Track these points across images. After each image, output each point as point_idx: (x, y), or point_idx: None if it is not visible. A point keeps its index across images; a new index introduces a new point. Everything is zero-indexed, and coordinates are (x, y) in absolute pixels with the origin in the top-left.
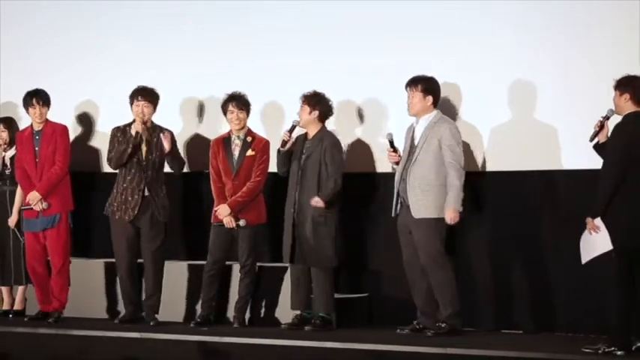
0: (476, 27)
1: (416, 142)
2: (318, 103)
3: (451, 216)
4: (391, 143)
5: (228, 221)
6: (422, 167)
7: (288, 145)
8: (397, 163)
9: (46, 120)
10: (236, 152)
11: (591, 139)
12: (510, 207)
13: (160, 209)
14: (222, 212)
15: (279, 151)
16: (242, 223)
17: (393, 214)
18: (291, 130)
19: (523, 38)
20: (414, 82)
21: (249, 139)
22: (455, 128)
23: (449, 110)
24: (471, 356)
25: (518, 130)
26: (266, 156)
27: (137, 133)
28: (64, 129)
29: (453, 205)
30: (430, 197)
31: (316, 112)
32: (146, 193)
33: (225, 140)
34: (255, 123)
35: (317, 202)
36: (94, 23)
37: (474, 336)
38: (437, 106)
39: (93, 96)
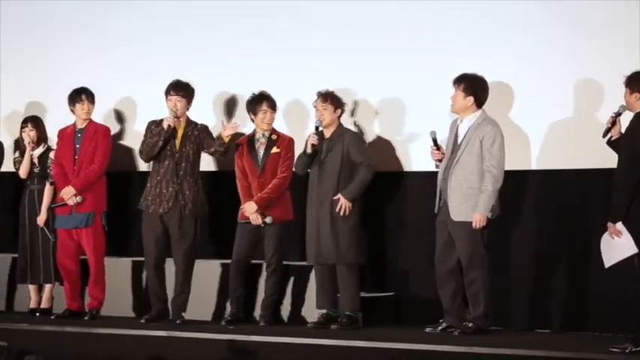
0: (528, 23)
1: (459, 142)
2: (340, 101)
3: (477, 219)
4: (434, 141)
5: (255, 218)
6: (464, 170)
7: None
8: (440, 161)
9: (90, 119)
10: (261, 150)
11: (604, 136)
12: (542, 206)
13: (190, 203)
14: (249, 209)
15: (305, 153)
16: (268, 220)
17: (435, 211)
18: (317, 132)
19: (577, 37)
20: (458, 80)
21: (273, 137)
22: (499, 131)
23: (494, 108)
24: (497, 355)
25: (558, 129)
26: (291, 153)
27: (169, 126)
28: (107, 130)
29: (481, 210)
30: (471, 201)
31: (339, 111)
32: (177, 187)
33: (250, 139)
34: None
35: (342, 205)
36: (125, 22)
37: (500, 335)
38: (482, 105)
39: (128, 94)
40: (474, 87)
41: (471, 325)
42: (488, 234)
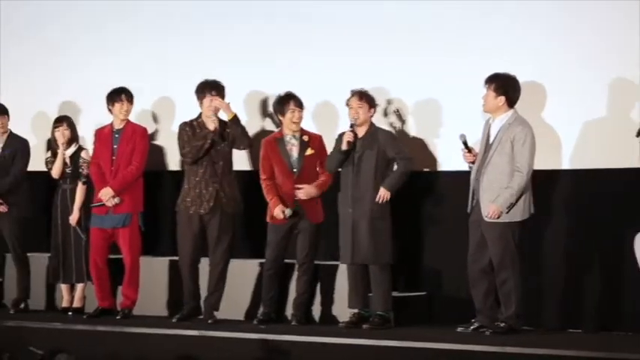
0: (558, 22)
1: (491, 142)
2: (374, 101)
3: (492, 210)
4: (465, 144)
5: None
6: (495, 170)
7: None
8: (473, 163)
9: (128, 120)
10: (294, 152)
11: (637, 135)
12: (575, 205)
13: (229, 202)
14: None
15: (339, 150)
16: (288, 212)
17: (468, 211)
18: (353, 130)
19: (609, 36)
20: (489, 80)
21: (305, 137)
22: (530, 131)
23: (526, 107)
24: (529, 355)
25: (591, 128)
26: (325, 152)
27: (215, 128)
28: (145, 131)
29: (499, 202)
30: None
31: (373, 111)
32: (217, 186)
33: (279, 141)
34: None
35: (381, 196)
36: (153, 22)
37: (532, 335)
38: (514, 105)
39: (157, 94)
40: (505, 87)
41: (502, 325)
42: (520, 234)
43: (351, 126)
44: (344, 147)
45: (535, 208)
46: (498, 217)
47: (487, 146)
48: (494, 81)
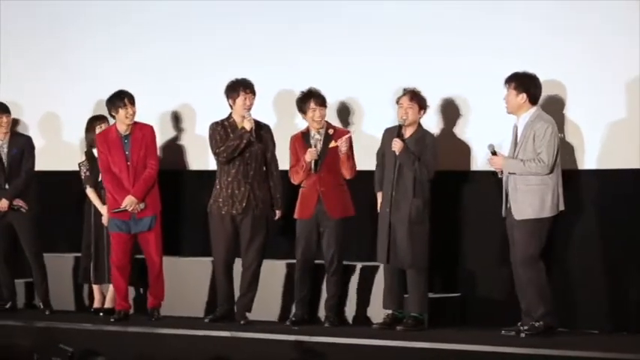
0: (586, 22)
1: (518, 141)
2: (425, 103)
3: (496, 160)
4: (494, 153)
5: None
6: None
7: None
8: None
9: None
10: (319, 146)
11: None
12: (610, 205)
13: (261, 203)
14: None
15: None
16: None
17: (503, 214)
18: (399, 134)
19: (633, 36)
20: (508, 80)
21: (330, 131)
22: (551, 126)
23: (553, 107)
24: (564, 357)
25: (618, 128)
26: (351, 147)
27: (252, 128)
28: (152, 129)
29: (508, 161)
30: (529, 198)
31: (422, 112)
32: (249, 187)
33: (305, 136)
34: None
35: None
36: (174, 22)
37: (568, 337)
38: (536, 102)
39: (179, 93)
40: (524, 84)
41: (537, 324)
42: (550, 231)
43: (400, 127)
44: (395, 150)
45: (565, 207)
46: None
47: (515, 146)
48: (514, 80)
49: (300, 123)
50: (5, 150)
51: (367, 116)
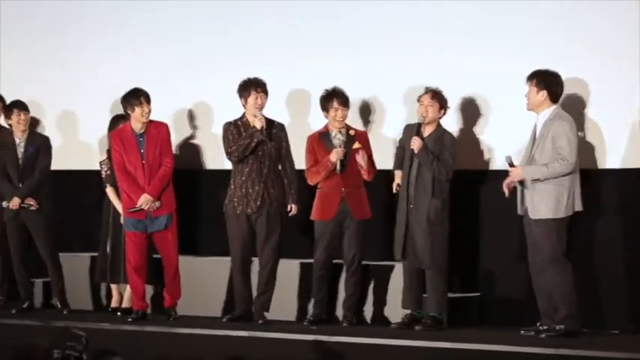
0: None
1: (536, 138)
2: (446, 102)
3: (516, 172)
4: (511, 165)
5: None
6: None
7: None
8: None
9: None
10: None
11: None
12: (632, 205)
13: (275, 202)
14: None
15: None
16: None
17: (519, 212)
18: (418, 132)
19: None
20: (530, 76)
21: (351, 132)
22: (568, 125)
23: (577, 106)
24: (584, 357)
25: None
26: (369, 148)
27: (262, 127)
28: (166, 127)
29: (528, 170)
30: (545, 197)
31: (442, 112)
32: (263, 185)
33: (324, 136)
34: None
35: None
36: (189, 21)
37: (589, 337)
38: (557, 100)
39: (195, 92)
40: (545, 81)
41: (558, 327)
42: (570, 231)
43: (419, 126)
44: (415, 149)
45: (585, 207)
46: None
47: (533, 144)
48: (535, 77)
49: (313, 122)
50: (22, 149)
51: (385, 116)
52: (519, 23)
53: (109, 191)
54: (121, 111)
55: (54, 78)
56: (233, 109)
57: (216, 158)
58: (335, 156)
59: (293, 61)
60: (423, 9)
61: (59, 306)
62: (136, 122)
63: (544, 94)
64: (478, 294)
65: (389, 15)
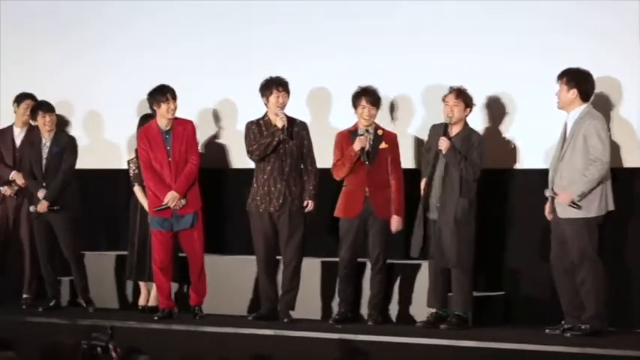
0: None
1: (567, 137)
2: (471, 100)
3: (562, 197)
4: (554, 194)
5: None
6: (569, 166)
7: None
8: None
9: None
10: (368, 145)
11: None
12: None
13: (297, 200)
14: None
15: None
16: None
17: (546, 212)
18: (446, 133)
19: None
20: (561, 75)
21: (379, 132)
22: (600, 123)
23: (604, 105)
24: (610, 356)
25: None
26: (397, 150)
27: (284, 126)
28: (192, 124)
29: (571, 191)
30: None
31: (468, 110)
32: (285, 184)
33: (352, 134)
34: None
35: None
36: (212, 19)
37: (615, 336)
38: (588, 99)
39: (218, 91)
40: (576, 79)
41: (584, 327)
42: (602, 232)
43: (446, 127)
44: (441, 150)
45: (617, 206)
46: (572, 205)
47: (563, 143)
48: (566, 75)
49: (334, 121)
50: (47, 148)
51: (407, 114)
52: (548, 24)
53: (137, 190)
54: (147, 110)
55: (81, 77)
56: (257, 108)
57: (240, 157)
58: (358, 144)
59: (316, 60)
60: (448, 10)
61: (85, 304)
62: (162, 119)
63: (574, 92)
64: (503, 293)
65: (414, 15)
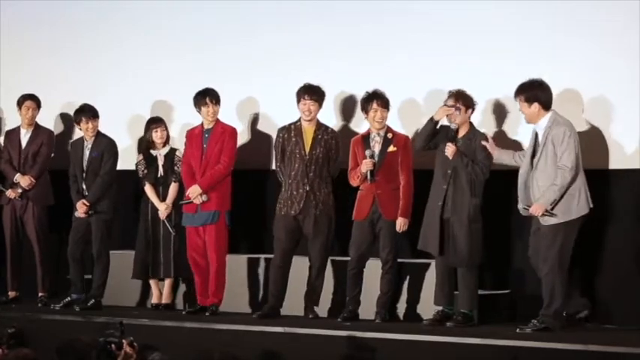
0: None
1: (539, 144)
2: (471, 101)
3: (535, 209)
4: (527, 209)
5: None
6: (544, 174)
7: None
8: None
9: (217, 119)
10: (376, 149)
11: None
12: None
13: (321, 204)
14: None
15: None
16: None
17: (521, 212)
18: (453, 139)
19: None
20: (516, 93)
21: (389, 135)
22: (566, 130)
23: (604, 105)
24: (608, 353)
25: None
26: (408, 152)
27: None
28: (234, 131)
29: (542, 201)
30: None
31: (470, 111)
32: (308, 188)
33: (365, 139)
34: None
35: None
36: (240, 22)
37: (612, 332)
38: (550, 106)
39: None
40: (533, 94)
41: (536, 322)
42: (578, 231)
43: (454, 130)
44: (449, 155)
45: (598, 206)
46: (546, 214)
47: (534, 152)
48: (522, 93)
49: (353, 124)
50: (88, 151)
51: (419, 117)
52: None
53: (147, 189)
54: (155, 114)
55: (89, 79)
56: (290, 111)
57: (261, 159)
58: (364, 167)
59: (340, 64)
60: (468, 11)
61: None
62: (204, 119)
63: (536, 106)
64: (508, 291)
65: (424, 18)
